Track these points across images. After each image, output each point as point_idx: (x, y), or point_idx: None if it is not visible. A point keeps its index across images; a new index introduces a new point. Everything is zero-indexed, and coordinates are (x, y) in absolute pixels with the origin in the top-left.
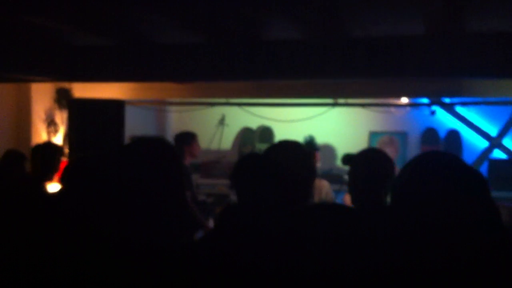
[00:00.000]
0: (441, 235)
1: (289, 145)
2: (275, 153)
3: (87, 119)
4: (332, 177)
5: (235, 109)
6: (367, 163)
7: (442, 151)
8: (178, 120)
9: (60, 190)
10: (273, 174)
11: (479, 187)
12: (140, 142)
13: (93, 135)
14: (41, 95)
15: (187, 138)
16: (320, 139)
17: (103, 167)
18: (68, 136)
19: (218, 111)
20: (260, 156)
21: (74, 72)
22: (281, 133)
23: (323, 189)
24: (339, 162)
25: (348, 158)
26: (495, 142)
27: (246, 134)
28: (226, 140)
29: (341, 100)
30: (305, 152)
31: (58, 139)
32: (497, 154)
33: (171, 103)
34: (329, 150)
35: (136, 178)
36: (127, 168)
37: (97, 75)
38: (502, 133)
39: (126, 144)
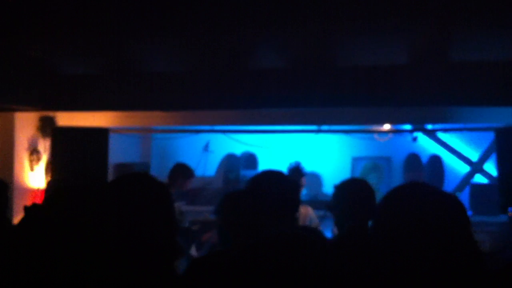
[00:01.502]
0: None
1: (273, 175)
2: (259, 183)
3: (70, 147)
4: (318, 203)
5: (220, 135)
6: (349, 196)
7: (422, 182)
8: (162, 147)
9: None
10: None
11: (458, 219)
12: (127, 178)
13: (76, 163)
14: (25, 123)
15: (187, 172)
16: (304, 166)
17: (85, 201)
18: (51, 165)
19: (202, 137)
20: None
21: (59, 101)
22: (265, 160)
23: (308, 215)
24: (324, 189)
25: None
26: (476, 167)
27: (230, 161)
28: (211, 166)
29: (325, 127)
30: (289, 182)
31: (40, 167)
32: (479, 179)
33: (156, 130)
34: (314, 176)
35: (120, 215)
36: (111, 206)
37: (82, 104)
38: (483, 159)
39: (112, 180)
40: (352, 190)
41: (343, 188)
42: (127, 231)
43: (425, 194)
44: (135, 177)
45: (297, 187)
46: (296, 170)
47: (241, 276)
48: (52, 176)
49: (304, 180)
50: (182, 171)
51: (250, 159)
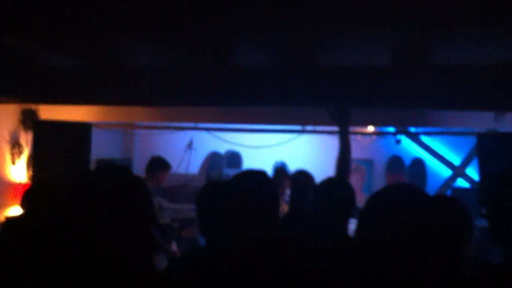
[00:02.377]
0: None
1: (254, 174)
2: (239, 181)
3: (52, 141)
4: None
5: (203, 133)
6: (329, 194)
7: (407, 183)
8: (145, 143)
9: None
10: (235, 202)
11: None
12: (106, 169)
13: (58, 158)
14: (6, 116)
15: (164, 166)
16: (288, 166)
17: (66, 192)
18: (32, 158)
19: (186, 135)
20: (223, 184)
21: (41, 94)
22: (249, 159)
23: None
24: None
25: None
26: (458, 171)
27: (213, 159)
28: (194, 164)
29: (309, 127)
30: (269, 181)
31: (22, 161)
32: (460, 183)
33: (139, 126)
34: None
35: (99, 207)
36: (90, 196)
37: (65, 97)
38: (465, 163)
39: (91, 170)
40: (332, 188)
41: (323, 186)
42: (102, 224)
43: (412, 196)
44: (112, 169)
45: (275, 187)
46: (280, 171)
47: (241, 277)
48: (33, 170)
49: (288, 181)
50: (159, 164)
51: (233, 158)
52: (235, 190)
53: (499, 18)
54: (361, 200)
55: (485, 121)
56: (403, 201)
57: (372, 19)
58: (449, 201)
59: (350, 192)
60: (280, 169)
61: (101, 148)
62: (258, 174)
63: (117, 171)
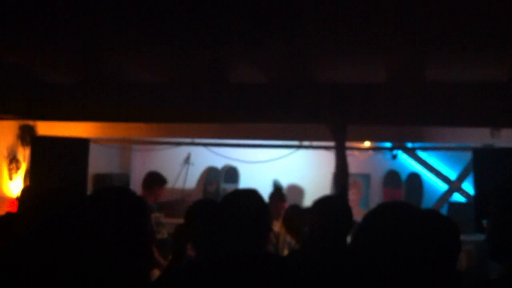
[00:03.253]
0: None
1: (245, 194)
2: (231, 201)
3: (50, 156)
4: None
5: (201, 148)
6: (325, 213)
7: (402, 201)
8: (143, 158)
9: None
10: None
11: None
12: (106, 192)
13: (56, 173)
14: (4, 131)
15: (161, 181)
16: (285, 180)
17: (64, 214)
18: (30, 174)
19: (183, 150)
20: (211, 202)
21: (39, 110)
22: (246, 174)
23: (286, 236)
24: (304, 203)
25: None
26: (454, 186)
27: (211, 173)
28: (191, 179)
29: (305, 143)
30: (261, 202)
31: (19, 176)
32: (457, 197)
33: (137, 142)
34: (296, 190)
35: (99, 229)
36: (89, 219)
37: (63, 113)
38: (461, 178)
39: (91, 193)
40: (328, 207)
41: (320, 204)
42: (103, 245)
43: (407, 214)
44: (114, 191)
45: (266, 210)
46: (277, 195)
47: None
48: (31, 186)
49: (285, 206)
50: (156, 179)
51: (230, 173)
52: (227, 209)
53: (492, 40)
54: (358, 214)
55: (481, 136)
56: (397, 219)
57: (369, 39)
58: (440, 217)
59: (347, 210)
60: (276, 193)
61: (98, 163)
62: (250, 194)
63: (117, 191)
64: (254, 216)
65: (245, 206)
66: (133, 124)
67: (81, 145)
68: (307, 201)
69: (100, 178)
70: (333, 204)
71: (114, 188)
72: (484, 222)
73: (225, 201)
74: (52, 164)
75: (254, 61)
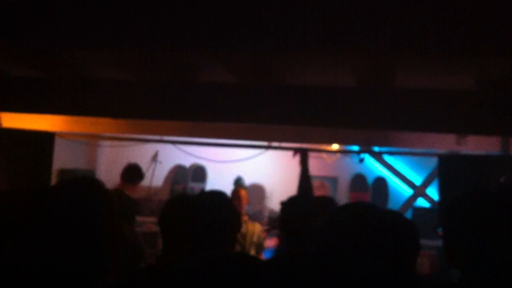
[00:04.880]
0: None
1: (213, 194)
2: (199, 201)
3: (14, 149)
4: (262, 217)
5: (169, 146)
6: (296, 211)
7: (366, 202)
8: (109, 155)
9: None
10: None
11: (400, 240)
12: (71, 181)
13: (20, 167)
14: None
15: (141, 175)
16: (252, 181)
17: (28, 205)
18: None
19: (151, 147)
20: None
21: (3, 101)
22: (214, 173)
23: (256, 232)
24: (270, 204)
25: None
26: (419, 191)
27: (178, 172)
28: (158, 177)
29: (274, 144)
30: (228, 202)
31: None
32: (421, 202)
33: (104, 138)
34: (261, 191)
35: (64, 220)
36: (55, 209)
37: (27, 106)
38: (426, 183)
39: (56, 183)
40: (299, 205)
41: (290, 203)
42: (66, 238)
43: (368, 214)
44: (81, 181)
45: (235, 211)
46: (238, 183)
47: None
48: None
49: (246, 195)
50: (139, 173)
51: (198, 172)
52: (195, 211)
53: (459, 47)
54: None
55: (447, 143)
56: (357, 219)
57: (338, 42)
58: (400, 218)
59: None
60: (237, 181)
61: (64, 158)
62: (219, 196)
63: (83, 182)
64: (222, 218)
65: (214, 208)
66: (101, 119)
67: (46, 139)
68: (272, 202)
69: (65, 173)
70: (300, 203)
71: (81, 178)
72: (440, 229)
73: (194, 203)
74: (16, 157)
75: (221, 61)
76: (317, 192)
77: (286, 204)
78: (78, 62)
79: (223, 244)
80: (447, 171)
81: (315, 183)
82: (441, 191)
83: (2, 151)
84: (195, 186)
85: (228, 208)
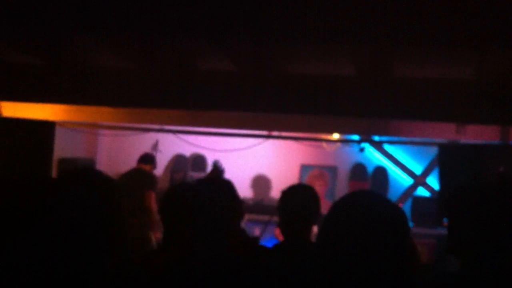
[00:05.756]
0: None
1: (214, 181)
2: (200, 188)
3: (15, 139)
4: (263, 207)
5: (169, 135)
6: (295, 200)
7: (369, 190)
8: (109, 143)
9: None
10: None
11: (399, 229)
12: (74, 173)
13: (20, 156)
14: None
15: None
16: (253, 170)
17: (31, 196)
18: None
19: (151, 136)
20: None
21: (3, 90)
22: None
23: None
24: (271, 193)
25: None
26: (419, 180)
27: (179, 161)
28: (158, 166)
29: (274, 133)
30: (231, 189)
31: None
32: (421, 191)
33: (105, 127)
34: (262, 180)
35: (68, 212)
36: (56, 201)
37: (27, 95)
38: (426, 172)
39: (57, 174)
40: (298, 195)
41: (289, 192)
42: (73, 229)
43: (372, 203)
44: (85, 172)
45: (236, 198)
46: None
47: None
48: None
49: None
50: (152, 158)
51: (199, 161)
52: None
53: (459, 37)
54: (324, 206)
55: (446, 132)
56: (363, 208)
57: (338, 31)
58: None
59: (315, 199)
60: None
61: (63, 147)
62: (220, 183)
63: (85, 172)
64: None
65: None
66: (101, 108)
67: (46, 128)
68: (274, 192)
69: (64, 162)
70: (301, 193)
71: (85, 169)
72: (445, 220)
73: (195, 191)
74: (17, 146)
75: (222, 50)
76: (317, 182)
77: (285, 193)
78: (78, 50)
79: (223, 231)
80: (447, 160)
81: (314, 172)
82: (442, 180)
83: (3, 140)
84: (195, 175)
85: (229, 195)
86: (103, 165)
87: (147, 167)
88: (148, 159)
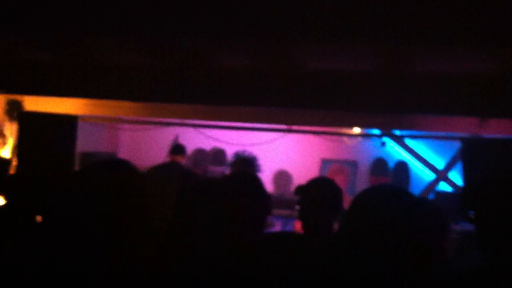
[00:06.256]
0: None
1: (244, 177)
2: (229, 184)
3: (37, 133)
4: (284, 202)
5: (189, 130)
6: (317, 193)
7: (392, 184)
8: (130, 138)
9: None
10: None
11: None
12: (102, 164)
13: (43, 150)
14: None
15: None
16: (273, 165)
17: (61, 186)
18: (17, 150)
19: (172, 131)
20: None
21: (26, 85)
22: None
23: None
24: (292, 187)
25: (300, 189)
26: (441, 175)
27: (199, 155)
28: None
29: (294, 127)
30: (258, 185)
31: (6, 151)
32: (443, 187)
33: (126, 121)
34: (282, 175)
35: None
36: (85, 191)
37: (49, 89)
38: (449, 167)
39: (86, 165)
40: (319, 188)
41: (310, 185)
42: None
43: (396, 197)
44: (113, 164)
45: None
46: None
47: None
48: (17, 162)
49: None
50: (182, 148)
51: (219, 155)
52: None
53: (481, 32)
54: (345, 201)
55: (469, 126)
56: (387, 201)
57: (359, 26)
58: (429, 203)
59: (337, 191)
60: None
61: (85, 141)
62: (246, 178)
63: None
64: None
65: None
66: (122, 103)
67: (69, 122)
68: (294, 187)
69: (86, 156)
70: (323, 186)
71: (110, 160)
72: (471, 213)
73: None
74: (40, 141)
75: (243, 45)
76: (337, 177)
77: (304, 188)
78: (99, 46)
79: (250, 227)
80: (471, 155)
81: (335, 167)
82: (465, 175)
83: (26, 135)
84: (215, 169)
85: (256, 191)
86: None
87: (178, 158)
88: (179, 149)
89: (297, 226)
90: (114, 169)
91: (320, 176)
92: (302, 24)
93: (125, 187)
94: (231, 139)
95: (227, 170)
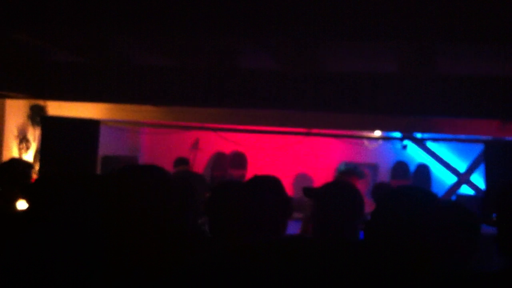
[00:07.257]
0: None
1: (265, 180)
2: (250, 186)
3: (60, 137)
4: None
5: (209, 134)
6: (333, 197)
7: (416, 186)
8: (151, 142)
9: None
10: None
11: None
12: (134, 169)
13: (66, 154)
14: (15, 111)
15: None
16: (293, 168)
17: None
18: (40, 154)
19: (192, 134)
20: (235, 185)
21: (49, 90)
22: (254, 160)
23: None
24: None
25: (308, 191)
26: (463, 178)
27: (219, 159)
28: (199, 164)
29: (314, 130)
30: (280, 187)
31: (29, 156)
32: (465, 190)
33: (147, 125)
34: (302, 178)
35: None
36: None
37: (72, 94)
38: (470, 170)
39: (116, 169)
40: (337, 191)
41: (328, 189)
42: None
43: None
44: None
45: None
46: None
47: None
48: (40, 166)
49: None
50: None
51: (238, 159)
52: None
53: (503, 34)
54: (366, 205)
55: (489, 129)
56: (412, 203)
57: (381, 29)
58: (457, 205)
59: (356, 193)
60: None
61: (106, 145)
62: (268, 181)
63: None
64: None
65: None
66: (143, 106)
67: (91, 126)
68: None
69: (108, 160)
70: (343, 190)
71: (140, 166)
72: (493, 216)
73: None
74: (63, 145)
75: (265, 50)
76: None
77: (319, 191)
78: (121, 49)
79: (271, 229)
80: (494, 157)
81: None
82: (488, 178)
83: (49, 139)
84: (234, 173)
85: (277, 193)
86: (145, 162)
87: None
88: (181, 161)
89: (304, 228)
90: (148, 174)
91: (338, 180)
92: (325, 26)
93: (158, 193)
94: (251, 143)
95: (246, 174)
